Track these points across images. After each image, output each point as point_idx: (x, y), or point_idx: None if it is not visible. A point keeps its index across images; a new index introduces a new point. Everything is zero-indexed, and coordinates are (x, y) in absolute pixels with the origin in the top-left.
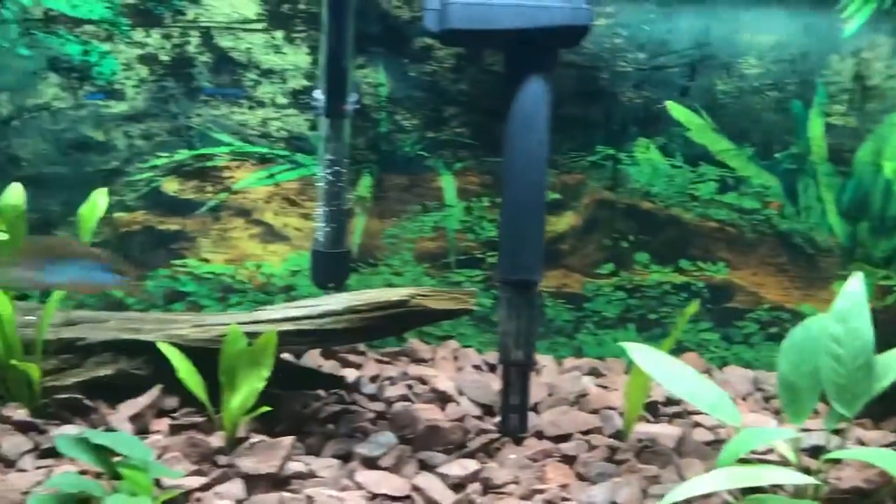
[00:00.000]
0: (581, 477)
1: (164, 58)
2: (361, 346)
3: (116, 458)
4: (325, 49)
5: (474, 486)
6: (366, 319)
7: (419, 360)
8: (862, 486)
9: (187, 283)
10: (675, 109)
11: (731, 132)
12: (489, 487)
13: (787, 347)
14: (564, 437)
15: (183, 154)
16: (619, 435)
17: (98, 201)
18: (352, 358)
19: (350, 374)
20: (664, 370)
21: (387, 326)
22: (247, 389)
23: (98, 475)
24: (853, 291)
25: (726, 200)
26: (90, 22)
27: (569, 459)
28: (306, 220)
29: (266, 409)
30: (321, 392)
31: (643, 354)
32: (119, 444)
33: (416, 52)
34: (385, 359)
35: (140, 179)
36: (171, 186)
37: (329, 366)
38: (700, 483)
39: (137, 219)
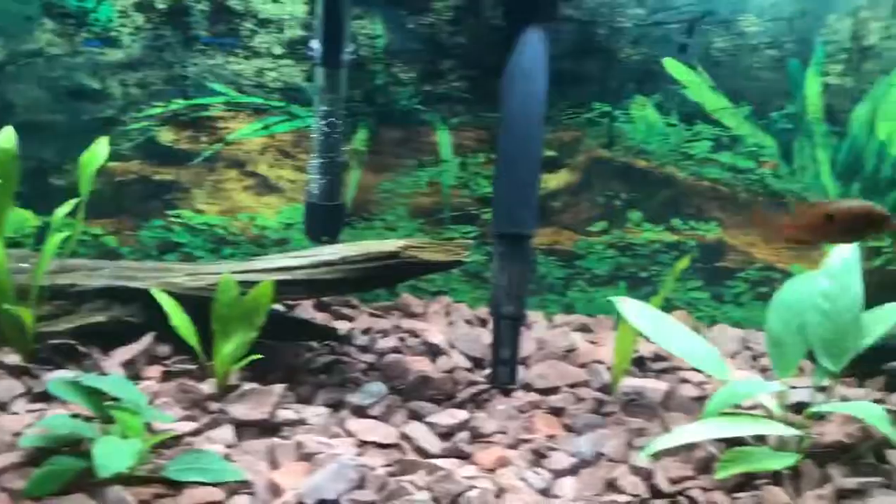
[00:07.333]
0: (568, 428)
1: (160, 5)
2: (354, 300)
3: (108, 402)
4: None
5: (462, 435)
6: (359, 270)
7: (411, 315)
8: (843, 441)
9: (181, 233)
10: (673, 67)
11: (728, 91)
12: (476, 436)
13: (776, 303)
14: (552, 390)
15: (178, 104)
16: (606, 388)
17: (99, 150)
18: (344, 311)
19: (342, 327)
20: (653, 325)
21: (380, 277)
22: (239, 338)
23: (89, 418)
24: (844, 248)
25: (721, 159)
26: None
27: (556, 411)
28: (301, 172)
29: (255, 357)
30: (313, 343)
31: (632, 308)
32: (111, 387)
33: (414, 3)
34: (377, 312)
35: (135, 129)
36: (166, 136)
37: (321, 318)
38: (684, 433)
39: (132, 168)
